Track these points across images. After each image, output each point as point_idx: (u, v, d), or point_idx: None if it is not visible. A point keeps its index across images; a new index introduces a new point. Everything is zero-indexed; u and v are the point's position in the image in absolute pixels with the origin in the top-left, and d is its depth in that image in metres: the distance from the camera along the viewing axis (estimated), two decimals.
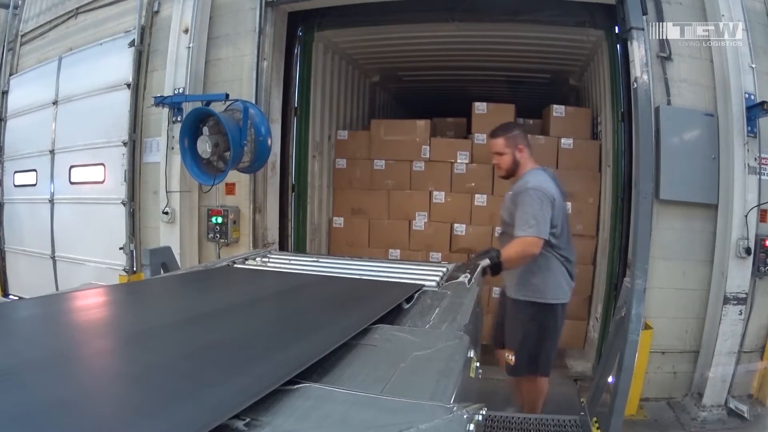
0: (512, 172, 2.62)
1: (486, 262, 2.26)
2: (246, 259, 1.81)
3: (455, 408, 0.51)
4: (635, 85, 2.47)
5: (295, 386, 0.57)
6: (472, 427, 0.49)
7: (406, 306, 1.12)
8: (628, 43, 2.52)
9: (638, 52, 2.41)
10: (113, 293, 1.29)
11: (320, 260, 1.82)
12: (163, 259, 1.77)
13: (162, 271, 1.71)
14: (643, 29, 2.41)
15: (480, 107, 4.44)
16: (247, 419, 0.48)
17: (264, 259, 1.81)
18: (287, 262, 1.78)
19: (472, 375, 0.84)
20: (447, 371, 0.69)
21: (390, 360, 0.73)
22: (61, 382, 0.59)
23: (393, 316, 1.02)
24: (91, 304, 1.15)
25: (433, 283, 1.38)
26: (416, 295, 1.20)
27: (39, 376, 0.60)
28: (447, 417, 0.49)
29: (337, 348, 0.74)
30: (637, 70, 2.44)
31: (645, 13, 2.50)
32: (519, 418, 2.50)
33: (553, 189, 2.49)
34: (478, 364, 0.90)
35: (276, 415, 0.50)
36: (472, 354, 0.82)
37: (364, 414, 0.50)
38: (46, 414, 0.48)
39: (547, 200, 2.42)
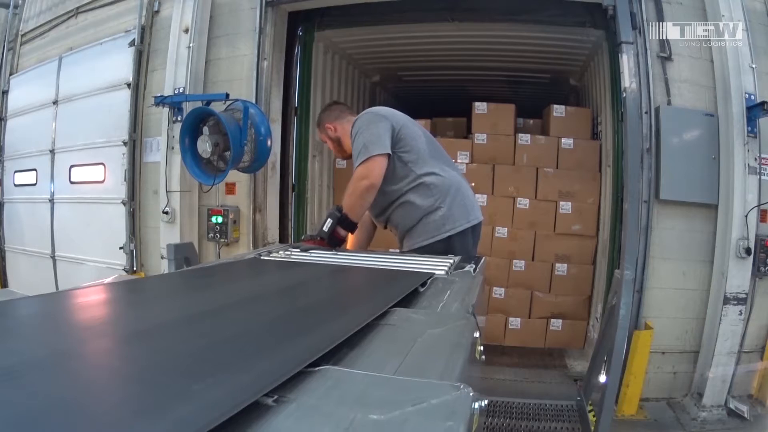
0: (348, 152, 2.31)
1: (328, 223, 2.05)
2: (270, 253, 1.89)
3: (462, 386, 0.56)
4: (625, 94, 2.64)
5: (317, 368, 0.62)
6: (476, 405, 0.54)
7: (422, 290, 1.24)
8: (619, 55, 2.66)
9: (627, 64, 2.58)
10: (144, 285, 1.39)
11: (338, 253, 1.94)
12: (185, 253, 1.83)
13: (185, 266, 1.75)
14: (632, 43, 2.55)
15: (480, 107, 4.44)
16: (276, 396, 0.54)
17: (287, 252, 1.90)
18: (308, 255, 1.88)
19: (477, 356, 0.91)
20: (456, 349, 0.78)
21: (407, 337, 0.82)
22: (111, 364, 0.67)
23: (409, 299, 1.13)
24: (121, 296, 1.20)
25: (443, 272, 1.50)
26: (429, 281, 1.33)
27: (91, 362, 0.67)
28: (455, 393, 0.55)
29: (359, 330, 0.82)
30: (626, 80, 2.63)
31: (635, 27, 2.64)
32: (519, 403, 2.65)
33: (386, 111, 2.26)
34: (482, 347, 0.97)
35: (300, 393, 0.56)
36: (477, 335, 0.90)
37: (380, 392, 0.56)
38: (83, 402, 0.52)
39: (377, 118, 2.18)
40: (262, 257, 1.81)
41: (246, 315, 1.01)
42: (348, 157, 2.34)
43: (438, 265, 1.60)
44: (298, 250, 1.97)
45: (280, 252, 1.90)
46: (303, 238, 2.24)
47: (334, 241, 2.10)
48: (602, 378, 2.71)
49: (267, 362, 0.64)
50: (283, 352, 0.70)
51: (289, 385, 0.57)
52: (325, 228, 2.08)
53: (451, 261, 1.69)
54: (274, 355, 0.69)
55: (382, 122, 2.16)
